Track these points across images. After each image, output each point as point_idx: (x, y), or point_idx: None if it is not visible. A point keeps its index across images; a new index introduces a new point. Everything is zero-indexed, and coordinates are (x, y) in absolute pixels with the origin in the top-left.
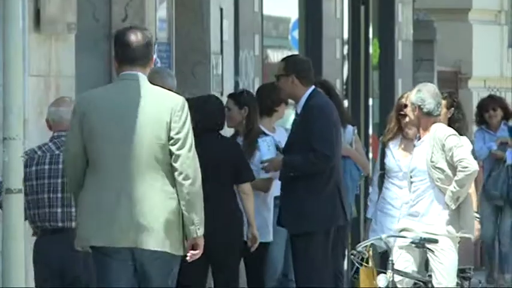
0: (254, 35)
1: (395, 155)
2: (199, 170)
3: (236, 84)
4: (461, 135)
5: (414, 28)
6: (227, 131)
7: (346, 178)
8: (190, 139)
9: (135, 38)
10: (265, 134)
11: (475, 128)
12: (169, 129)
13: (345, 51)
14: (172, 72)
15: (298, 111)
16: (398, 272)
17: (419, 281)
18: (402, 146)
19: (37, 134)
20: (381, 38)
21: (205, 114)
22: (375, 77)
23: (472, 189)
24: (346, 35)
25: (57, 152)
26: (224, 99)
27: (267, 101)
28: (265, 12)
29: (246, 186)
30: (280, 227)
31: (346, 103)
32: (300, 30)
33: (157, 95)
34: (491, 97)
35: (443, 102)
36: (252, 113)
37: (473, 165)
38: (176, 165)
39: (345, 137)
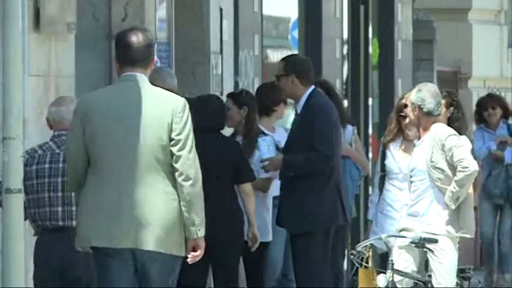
0: (254, 35)
1: (396, 156)
2: (199, 170)
3: (236, 84)
4: (460, 134)
5: (414, 28)
6: (226, 131)
7: (345, 178)
8: (191, 140)
9: (136, 39)
10: (265, 134)
11: (474, 127)
12: (170, 131)
13: (345, 51)
14: (172, 72)
15: (298, 111)
16: (398, 272)
17: (419, 281)
18: (403, 148)
19: (37, 134)
20: (381, 38)
21: (206, 114)
22: (375, 76)
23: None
24: (345, 35)
25: (57, 151)
26: (224, 99)
27: (266, 100)
28: (265, 12)
29: (247, 187)
30: (279, 227)
31: (345, 103)
32: (300, 30)
33: (158, 96)
34: (490, 96)
35: (443, 101)
36: (251, 112)
37: (473, 166)
38: (177, 166)
39: (344, 137)
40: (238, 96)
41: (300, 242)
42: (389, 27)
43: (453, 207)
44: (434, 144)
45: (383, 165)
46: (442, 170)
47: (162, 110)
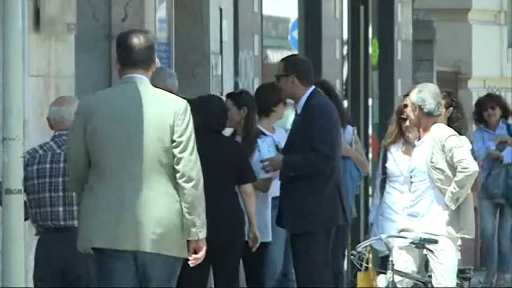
0: (254, 35)
1: (397, 159)
2: (201, 172)
3: (236, 84)
4: (460, 134)
5: (414, 28)
6: (226, 131)
7: (346, 178)
8: (193, 142)
9: (137, 41)
10: (264, 135)
11: (474, 127)
12: (172, 132)
13: (345, 52)
14: (173, 73)
15: (298, 111)
16: (398, 273)
17: (419, 281)
18: (403, 150)
19: (37, 134)
20: (381, 38)
21: (206, 114)
22: (375, 77)
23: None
24: (345, 35)
25: (58, 150)
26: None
27: (265, 101)
28: (265, 12)
29: (248, 187)
30: (279, 227)
31: (345, 103)
32: (300, 31)
33: (160, 98)
34: (489, 96)
35: (442, 101)
36: (251, 113)
37: (473, 166)
38: (178, 167)
39: (344, 138)
40: (237, 96)
41: (301, 242)
42: (389, 27)
43: (453, 207)
44: (434, 145)
45: (384, 168)
46: (442, 171)
47: (164, 112)
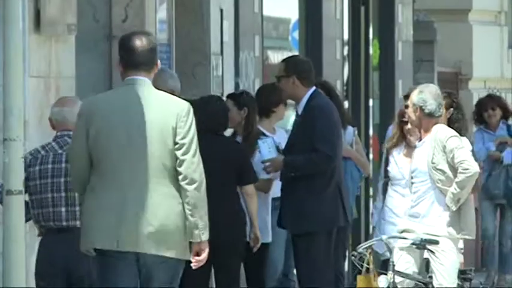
0: (254, 35)
1: (398, 162)
2: (204, 174)
3: (236, 85)
4: (460, 135)
5: (414, 29)
6: (225, 131)
7: (346, 179)
8: (195, 144)
9: (140, 43)
10: (265, 135)
11: (474, 128)
12: (175, 135)
13: (345, 52)
14: (175, 74)
15: (299, 112)
16: (399, 273)
17: (420, 282)
18: (405, 153)
19: (37, 135)
20: (381, 39)
21: (207, 115)
22: (375, 77)
23: None
24: (346, 36)
25: (60, 151)
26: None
27: (265, 101)
28: (266, 13)
29: (250, 188)
30: (280, 228)
31: (346, 104)
32: (300, 31)
33: (162, 100)
34: (490, 96)
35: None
36: (251, 114)
37: (474, 167)
38: (181, 170)
39: (345, 138)
40: (238, 97)
41: (302, 242)
42: (390, 28)
43: (454, 208)
44: (435, 146)
45: (386, 172)
46: (443, 172)
47: (167, 114)
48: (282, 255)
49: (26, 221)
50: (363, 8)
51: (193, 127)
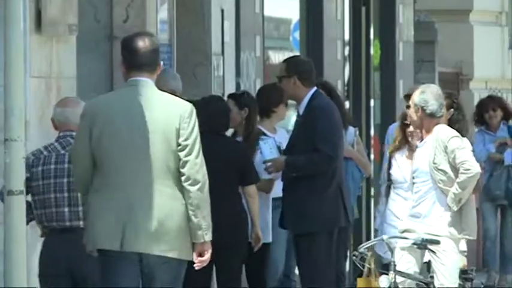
0: (255, 36)
1: (401, 165)
2: (207, 175)
3: (237, 85)
4: (461, 136)
5: (415, 29)
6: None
7: (348, 179)
8: (198, 145)
9: (142, 44)
10: (266, 135)
11: (475, 129)
12: (178, 136)
13: (346, 53)
14: (177, 75)
15: (300, 112)
16: (400, 273)
17: (421, 282)
18: (408, 157)
19: (38, 135)
20: (382, 39)
21: (209, 115)
22: (376, 78)
23: None
24: (347, 36)
25: (62, 151)
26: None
27: (266, 102)
28: (266, 13)
29: (252, 188)
30: (282, 228)
31: (347, 104)
32: (301, 32)
33: (165, 101)
34: (490, 97)
35: None
36: (252, 114)
37: (476, 168)
38: (184, 170)
39: (346, 138)
40: (239, 97)
41: (303, 242)
42: (391, 28)
43: (455, 208)
44: (437, 146)
45: (389, 175)
46: (445, 172)
47: (170, 115)
48: (283, 255)
49: (28, 222)
50: (363, 9)
51: (196, 128)
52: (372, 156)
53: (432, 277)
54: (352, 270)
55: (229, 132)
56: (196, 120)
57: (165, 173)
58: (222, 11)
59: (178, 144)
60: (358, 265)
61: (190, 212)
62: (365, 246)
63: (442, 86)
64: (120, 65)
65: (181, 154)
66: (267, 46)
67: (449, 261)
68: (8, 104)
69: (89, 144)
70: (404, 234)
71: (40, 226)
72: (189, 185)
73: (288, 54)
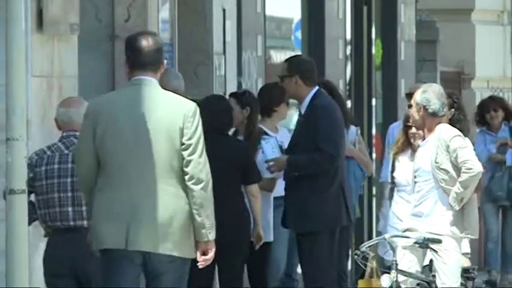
0: (257, 35)
1: (404, 168)
2: (210, 174)
3: (239, 85)
4: None
5: (417, 28)
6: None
7: (349, 179)
8: (202, 144)
9: (146, 43)
10: (267, 135)
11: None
12: (182, 135)
13: (348, 52)
14: (179, 74)
15: (302, 112)
16: (402, 272)
17: (423, 281)
18: (411, 159)
19: (40, 134)
20: (384, 39)
21: (211, 114)
22: (378, 77)
23: None
24: (348, 36)
25: (66, 151)
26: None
27: (267, 101)
28: (268, 12)
29: (254, 188)
30: (284, 227)
31: (349, 103)
32: (303, 31)
33: (169, 100)
34: (492, 98)
35: None
36: (254, 113)
37: (478, 167)
38: (187, 170)
39: (348, 138)
40: (241, 96)
41: (305, 241)
42: (393, 27)
43: (457, 208)
44: (438, 145)
45: (393, 177)
46: (447, 171)
47: (174, 114)
48: (285, 255)
49: (30, 222)
50: (365, 8)
51: (200, 127)
52: (374, 156)
53: (434, 276)
54: (354, 270)
55: (230, 131)
56: (200, 119)
57: (168, 172)
58: (224, 10)
59: (182, 144)
60: (360, 264)
61: (194, 211)
62: (367, 246)
63: (443, 85)
64: (121, 65)
65: (185, 153)
66: (269, 45)
67: (451, 260)
68: (9, 103)
69: (92, 144)
70: (406, 234)
71: (43, 226)
72: (193, 184)
73: (289, 54)
